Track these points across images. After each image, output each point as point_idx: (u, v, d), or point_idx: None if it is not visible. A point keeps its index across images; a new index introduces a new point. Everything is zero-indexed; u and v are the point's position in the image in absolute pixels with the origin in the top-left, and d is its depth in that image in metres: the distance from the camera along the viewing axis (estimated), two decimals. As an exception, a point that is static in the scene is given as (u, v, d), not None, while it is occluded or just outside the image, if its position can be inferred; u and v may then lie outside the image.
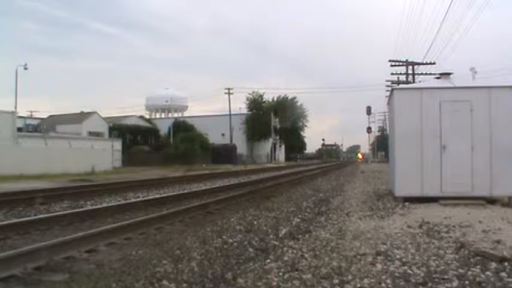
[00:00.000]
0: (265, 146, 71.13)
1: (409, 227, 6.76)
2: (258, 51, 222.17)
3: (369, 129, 49.54)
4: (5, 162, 21.88)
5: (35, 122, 50.76)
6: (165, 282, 3.98)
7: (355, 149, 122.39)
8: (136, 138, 53.74)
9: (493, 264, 4.48)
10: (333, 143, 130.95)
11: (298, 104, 75.13)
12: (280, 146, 74.93)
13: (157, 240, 6.31)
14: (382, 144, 69.97)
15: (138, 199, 11.83)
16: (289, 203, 10.48)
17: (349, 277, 4.11)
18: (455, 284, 3.92)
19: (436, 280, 4.01)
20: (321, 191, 14.10)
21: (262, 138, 68.98)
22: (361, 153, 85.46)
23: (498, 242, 5.55)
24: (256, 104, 70.44)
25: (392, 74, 35.04)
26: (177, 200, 11.60)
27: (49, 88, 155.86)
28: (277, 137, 68.92)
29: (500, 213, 8.07)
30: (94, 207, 10.02)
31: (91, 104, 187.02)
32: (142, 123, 61.06)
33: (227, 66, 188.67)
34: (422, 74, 32.18)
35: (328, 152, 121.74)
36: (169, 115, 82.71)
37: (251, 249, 5.31)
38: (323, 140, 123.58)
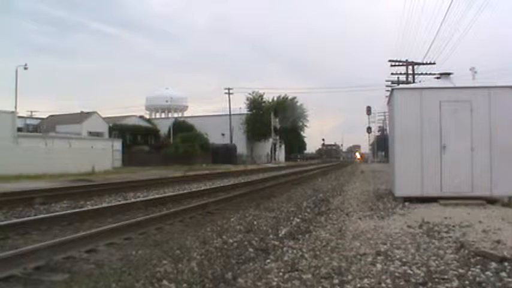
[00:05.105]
0: (265, 146, 71.09)
1: (409, 227, 6.76)
2: (258, 51, 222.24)
3: (369, 129, 49.64)
4: (5, 162, 21.86)
5: (35, 122, 50.88)
6: (165, 282, 3.98)
7: (355, 149, 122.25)
8: (136, 138, 53.77)
9: (493, 264, 4.48)
10: (333, 143, 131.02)
11: (298, 104, 75.16)
12: (280, 146, 74.87)
13: (157, 240, 6.31)
14: (382, 144, 69.96)
15: (138, 199, 11.82)
16: (289, 203, 10.47)
17: (349, 277, 4.11)
18: (455, 284, 3.92)
19: (436, 280, 4.01)
20: (321, 191, 14.09)
21: (262, 138, 68.95)
22: (360, 153, 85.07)
23: (498, 242, 5.56)
24: (256, 104, 70.38)
25: (392, 74, 35.14)
26: (177, 200, 11.59)
27: (49, 88, 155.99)
28: (277, 137, 68.87)
29: (500, 213, 8.07)
30: (94, 207, 10.01)
31: (91, 104, 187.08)
32: (142, 123, 61.12)
33: (227, 66, 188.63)
34: (422, 74, 32.20)
35: (328, 152, 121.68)
36: (169, 115, 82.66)
37: (251, 249, 5.31)
38: (323, 140, 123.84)
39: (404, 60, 32.99)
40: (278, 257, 4.91)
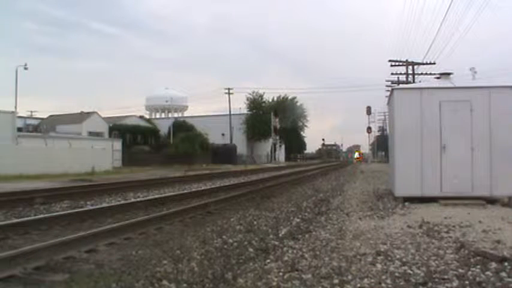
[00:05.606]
0: (265, 146, 71.10)
1: (409, 227, 6.76)
2: (258, 51, 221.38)
3: (369, 129, 49.61)
4: (5, 162, 21.85)
5: (35, 122, 50.79)
6: (165, 282, 3.98)
7: (354, 149, 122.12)
8: (136, 138, 53.71)
9: (493, 264, 4.48)
10: (333, 143, 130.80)
11: (298, 104, 75.29)
12: (280, 146, 74.86)
13: (157, 240, 6.31)
14: (382, 144, 69.95)
15: (138, 199, 11.83)
16: (289, 203, 10.48)
17: (349, 277, 4.11)
18: (455, 284, 3.92)
19: (436, 280, 4.01)
20: (321, 191, 14.10)
21: (262, 138, 68.95)
22: (359, 152, 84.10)
23: (498, 242, 5.56)
24: (256, 104, 70.41)
25: (392, 74, 35.04)
26: (177, 200, 11.60)
27: (49, 88, 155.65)
28: (277, 137, 68.88)
29: (500, 213, 8.07)
30: (94, 207, 10.02)
31: (91, 104, 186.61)
32: (142, 123, 61.05)
33: (227, 66, 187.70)
34: (422, 74, 32.17)
35: (328, 152, 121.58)
36: (169, 115, 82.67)
37: (251, 249, 5.31)
38: (323, 140, 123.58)
39: (404, 60, 32.96)
40: (278, 257, 4.91)
